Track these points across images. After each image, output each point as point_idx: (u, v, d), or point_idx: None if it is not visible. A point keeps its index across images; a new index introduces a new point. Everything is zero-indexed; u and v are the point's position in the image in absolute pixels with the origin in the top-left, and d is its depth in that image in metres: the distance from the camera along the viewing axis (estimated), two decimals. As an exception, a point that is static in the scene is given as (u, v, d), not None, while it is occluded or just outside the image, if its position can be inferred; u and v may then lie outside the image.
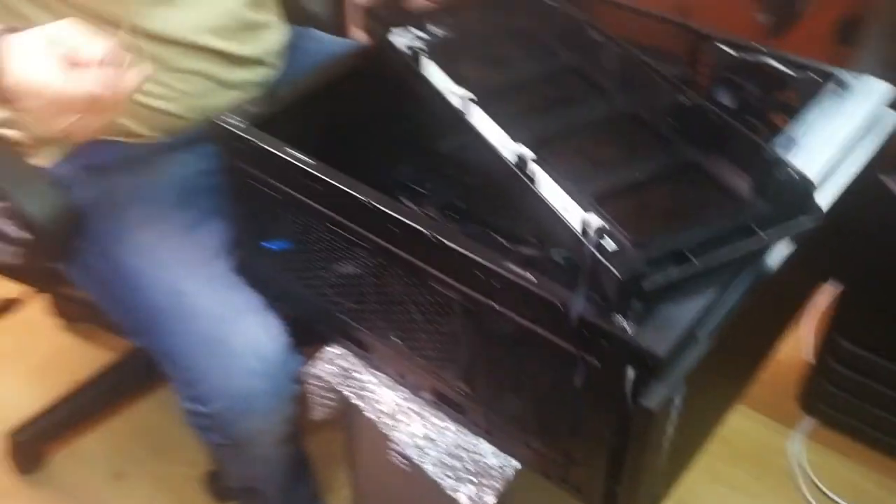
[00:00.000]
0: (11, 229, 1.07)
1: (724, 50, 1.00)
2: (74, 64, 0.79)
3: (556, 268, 0.81)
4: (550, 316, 0.71)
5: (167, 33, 1.04)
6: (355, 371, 0.95)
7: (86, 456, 1.57)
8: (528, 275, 0.72)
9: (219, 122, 0.88)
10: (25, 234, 1.03)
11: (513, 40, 0.99)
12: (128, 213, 1.05)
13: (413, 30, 0.97)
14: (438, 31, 0.98)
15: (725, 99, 1.03)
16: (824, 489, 1.52)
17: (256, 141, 0.86)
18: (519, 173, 0.77)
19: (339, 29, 1.34)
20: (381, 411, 0.91)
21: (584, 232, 0.70)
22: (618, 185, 0.79)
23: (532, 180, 0.76)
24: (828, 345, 1.53)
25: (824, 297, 1.49)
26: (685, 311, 0.70)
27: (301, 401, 1.03)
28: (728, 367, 0.86)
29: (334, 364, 0.96)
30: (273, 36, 1.20)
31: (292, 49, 1.25)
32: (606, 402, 0.72)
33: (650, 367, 0.67)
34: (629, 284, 0.67)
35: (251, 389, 0.97)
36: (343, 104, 0.95)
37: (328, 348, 0.97)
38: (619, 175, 0.81)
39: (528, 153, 0.78)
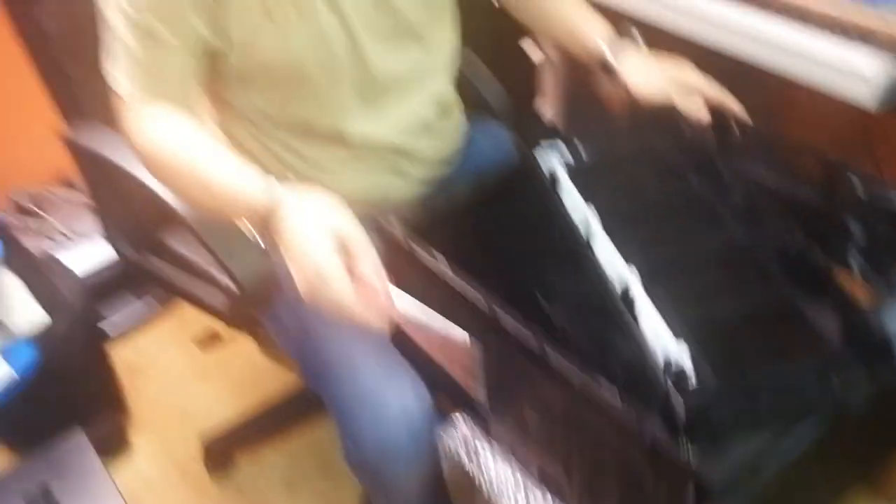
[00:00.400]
0: (223, 280, 1.30)
1: (855, 184, 1.06)
2: (351, 270, 0.93)
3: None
4: (630, 432, 0.81)
5: (362, 135, 1.22)
6: (476, 439, 1.08)
7: (265, 465, 1.80)
8: (615, 396, 0.83)
9: (380, 224, 1.05)
10: (233, 288, 1.25)
11: (650, 164, 1.09)
12: None
13: (559, 144, 1.09)
14: (582, 149, 1.10)
15: (855, 231, 1.08)
16: None
17: (408, 245, 1.02)
18: (620, 303, 0.88)
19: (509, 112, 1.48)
20: (492, 480, 1.04)
21: (666, 366, 0.80)
22: (716, 318, 0.88)
23: (631, 310, 0.87)
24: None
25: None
26: (751, 445, 0.79)
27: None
28: (805, 492, 0.91)
29: (459, 430, 1.10)
30: (452, 135, 1.36)
31: (470, 143, 1.40)
32: (676, 513, 0.81)
33: (708, 493, 0.76)
34: (697, 419, 0.77)
35: (398, 440, 1.13)
36: (491, 210, 1.09)
37: (456, 414, 1.11)
38: (719, 308, 0.90)
39: (635, 280, 0.89)
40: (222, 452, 1.79)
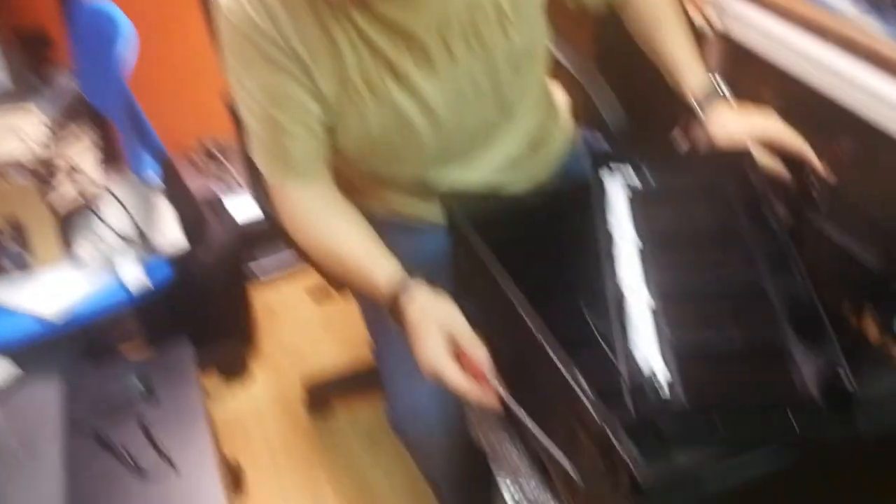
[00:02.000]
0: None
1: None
2: (460, 356, 1.05)
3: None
4: (594, 423, 0.89)
5: (450, 183, 1.30)
6: (498, 423, 1.19)
7: (357, 416, 1.98)
8: (588, 390, 0.91)
9: (450, 209, 1.17)
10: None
11: (706, 197, 1.14)
12: None
13: (628, 168, 1.17)
14: (648, 175, 1.17)
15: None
16: None
17: (464, 235, 1.14)
18: (614, 313, 0.95)
19: (624, 134, 1.54)
20: (507, 463, 1.15)
21: (632, 371, 0.88)
22: (707, 345, 0.94)
23: (626, 323, 0.95)
24: None
25: None
26: (698, 460, 0.85)
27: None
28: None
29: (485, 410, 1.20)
30: (545, 166, 1.40)
31: (573, 158, 1.46)
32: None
33: (640, 490, 0.83)
34: (649, 425, 0.84)
35: (427, 408, 1.25)
36: (549, 222, 1.18)
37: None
38: (714, 337, 0.95)
39: (645, 298, 0.96)
40: (322, 397, 1.98)
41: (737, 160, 1.18)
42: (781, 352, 0.93)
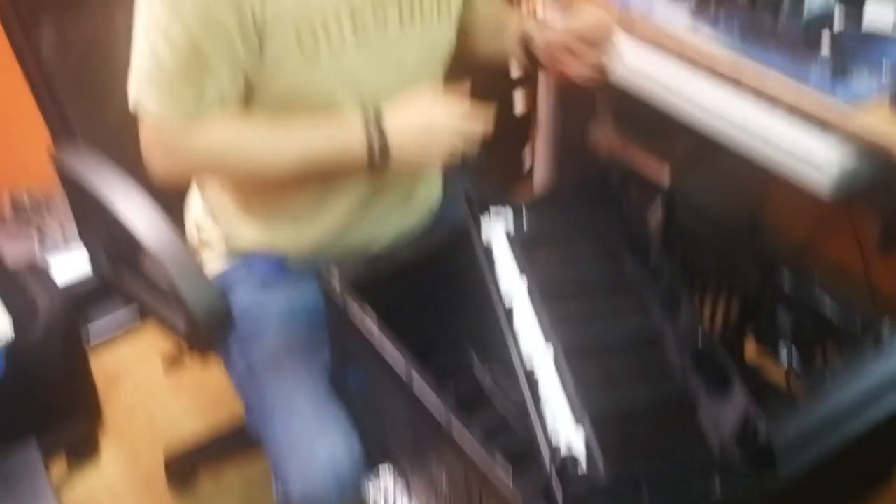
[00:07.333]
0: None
1: (785, 280, 1.09)
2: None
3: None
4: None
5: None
6: (396, 492, 1.11)
7: (225, 485, 1.83)
8: (507, 474, 0.85)
9: (323, 273, 1.09)
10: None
11: (591, 242, 1.12)
12: (267, 322, 1.27)
13: (507, 214, 1.13)
14: (529, 219, 1.13)
15: (784, 324, 1.11)
16: None
17: (342, 299, 1.06)
18: (525, 381, 0.91)
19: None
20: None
21: (555, 452, 0.83)
22: (619, 404, 0.91)
23: (535, 389, 0.90)
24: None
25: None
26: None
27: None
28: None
29: (383, 481, 1.13)
30: (417, 210, 1.36)
31: (445, 202, 1.42)
32: None
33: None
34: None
35: (323, 491, 1.16)
36: (431, 276, 1.12)
37: (383, 465, 1.14)
38: (624, 394, 0.92)
39: (548, 358, 0.92)
40: (185, 468, 1.83)
41: (606, 186, 1.16)
42: (689, 406, 0.92)
